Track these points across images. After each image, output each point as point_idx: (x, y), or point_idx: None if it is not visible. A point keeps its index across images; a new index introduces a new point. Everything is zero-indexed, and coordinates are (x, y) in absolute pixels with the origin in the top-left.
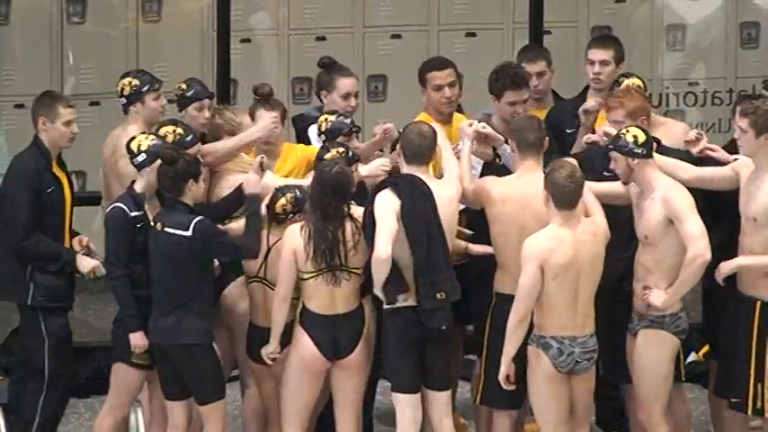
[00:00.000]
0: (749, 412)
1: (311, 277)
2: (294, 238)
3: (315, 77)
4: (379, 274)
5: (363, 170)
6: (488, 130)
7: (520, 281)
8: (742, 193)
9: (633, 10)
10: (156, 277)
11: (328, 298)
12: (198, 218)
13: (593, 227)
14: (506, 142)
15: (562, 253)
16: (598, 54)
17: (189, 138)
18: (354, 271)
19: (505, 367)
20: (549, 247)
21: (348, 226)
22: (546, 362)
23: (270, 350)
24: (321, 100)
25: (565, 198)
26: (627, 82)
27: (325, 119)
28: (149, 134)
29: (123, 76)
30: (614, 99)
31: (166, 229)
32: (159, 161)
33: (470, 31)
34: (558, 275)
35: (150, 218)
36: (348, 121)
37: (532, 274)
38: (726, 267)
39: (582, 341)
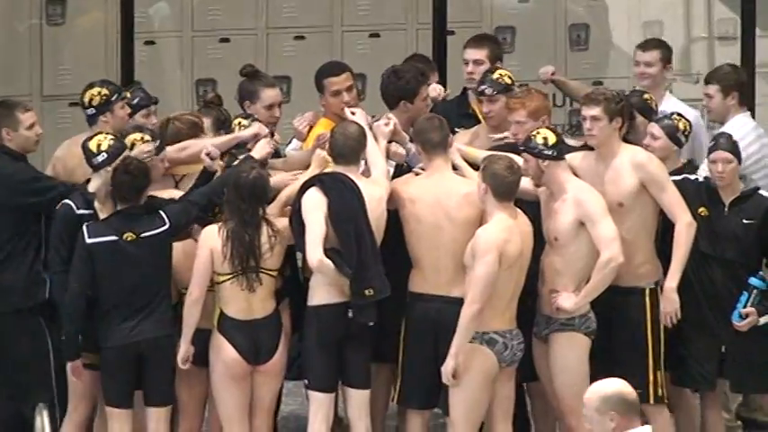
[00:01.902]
0: (651, 401)
1: (226, 280)
2: (212, 238)
3: (238, 86)
4: (324, 273)
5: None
6: (393, 125)
7: (478, 272)
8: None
9: (537, 10)
10: (136, 285)
11: (245, 302)
12: (162, 209)
13: (526, 218)
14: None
15: (514, 244)
16: (472, 54)
17: (156, 143)
18: (269, 273)
19: (454, 361)
20: (504, 237)
21: (264, 229)
22: (491, 359)
23: (183, 353)
24: (244, 109)
25: (505, 189)
26: (496, 74)
27: (239, 123)
28: (107, 134)
29: (89, 87)
30: (515, 100)
31: (144, 235)
32: (119, 161)
33: (374, 32)
34: (510, 266)
35: (101, 217)
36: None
37: (493, 264)
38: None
39: (516, 333)
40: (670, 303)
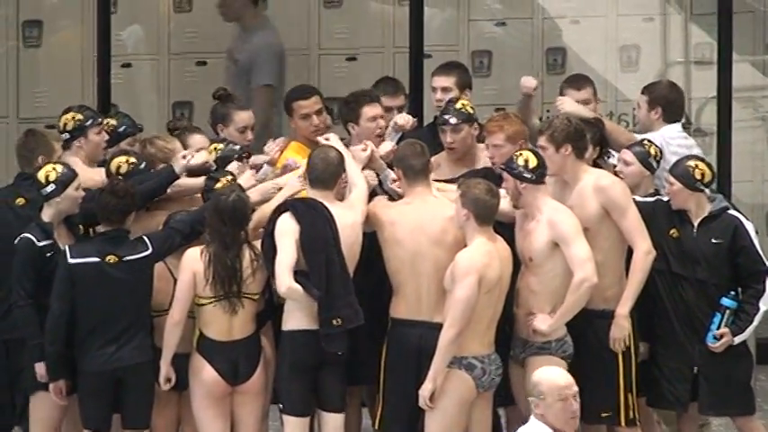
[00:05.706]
0: (623, 424)
1: (209, 303)
2: (194, 261)
3: (211, 109)
4: (293, 299)
5: (254, 193)
6: (370, 152)
7: (457, 295)
8: None
9: (513, 34)
10: (116, 309)
11: (226, 324)
12: (147, 235)
13: (505, 243)
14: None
15: (494, 268)
16: (440, 81)
17: (142, 166)
18: (251, 297)
19: (432, 384)
20: (484, 261)
21: (246, 253)
22: (469, 384)
23: (163, 375)
24: (217, 132)
25: (486, 213)
26: (458, 103)
27: (215, 147)
28: (56, 163)
29: (65, 112)
30: (493, 123)
31: (126, 258)
32: (69, 189)
33: (351, 56)
34: (490, 291)
35: (60, 245)
36: (237, 147)
37: (473, 287)
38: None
39: (494, 358)
40: (619, 330)
